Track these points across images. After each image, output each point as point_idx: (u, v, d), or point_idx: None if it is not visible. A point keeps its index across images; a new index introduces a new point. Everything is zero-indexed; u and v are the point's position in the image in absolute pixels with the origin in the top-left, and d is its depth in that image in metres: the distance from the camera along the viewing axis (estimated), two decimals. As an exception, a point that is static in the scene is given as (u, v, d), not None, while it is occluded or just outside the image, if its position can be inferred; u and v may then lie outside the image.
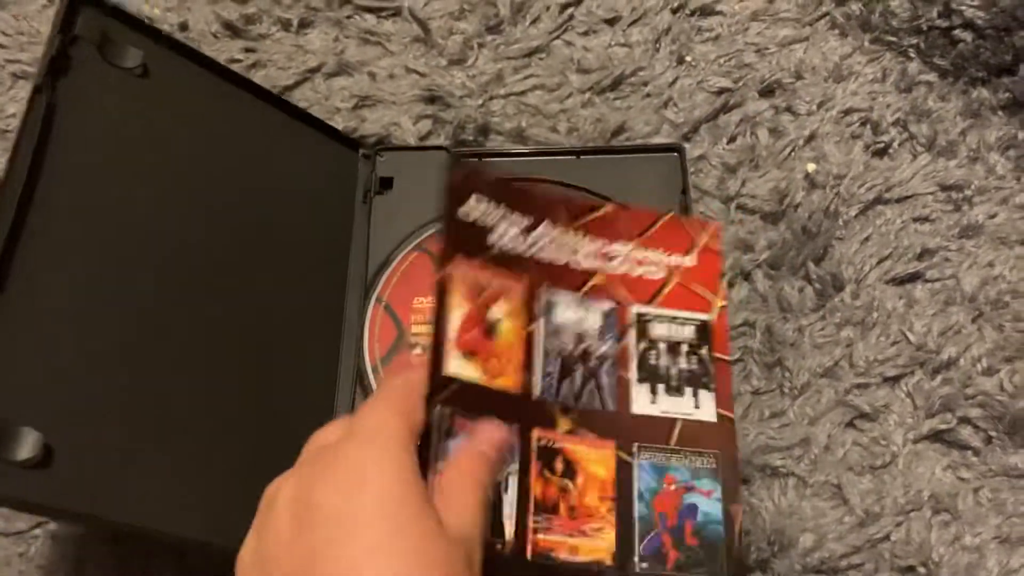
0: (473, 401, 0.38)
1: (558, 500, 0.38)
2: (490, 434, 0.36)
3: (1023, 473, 0.47)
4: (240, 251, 0.48)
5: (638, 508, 0.38)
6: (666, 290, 0.42)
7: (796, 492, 0.47)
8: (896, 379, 0.50)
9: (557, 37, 0.62)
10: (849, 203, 0.55)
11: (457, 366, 0.38)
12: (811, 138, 0.57)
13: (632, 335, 0.41)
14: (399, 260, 0.54)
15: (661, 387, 0.40)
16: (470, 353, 0.38)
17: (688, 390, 0.40)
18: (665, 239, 0.43)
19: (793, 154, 0.57)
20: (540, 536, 0.37)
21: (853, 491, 0.47)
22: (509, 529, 0.37)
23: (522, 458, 0.38)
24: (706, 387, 0.40)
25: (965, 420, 0.48)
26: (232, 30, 0.61)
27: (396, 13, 0.63)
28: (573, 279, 0.42)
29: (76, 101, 0.43)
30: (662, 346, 0.41)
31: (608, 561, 0.37)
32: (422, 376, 0.36)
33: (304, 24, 0.62)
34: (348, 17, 0.63)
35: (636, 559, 0.37)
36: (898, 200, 0.55)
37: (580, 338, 0.41)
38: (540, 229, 0.42)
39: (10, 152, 0.39)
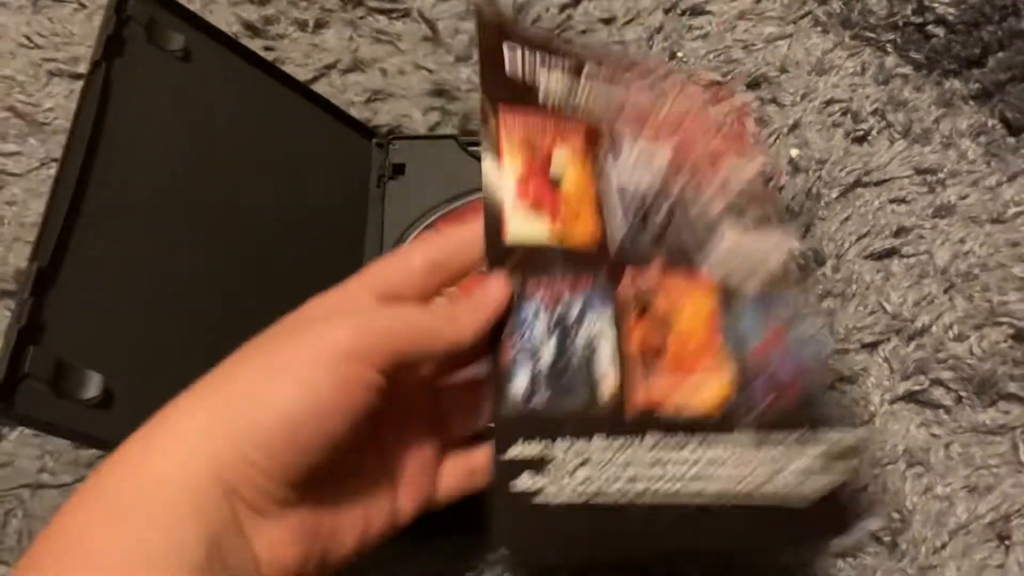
0: (545, 262, 0.34)
1: (660, 348, 0.35)
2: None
3: (990, 429, 0.51)
4: (267, 226, 0.52)
5: (746, 348, 0.35)
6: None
7: (781, 447, 0.50)
8: (874, 345, 0.53)
9: (557, 36, 0.66)
10: (831, 186, 0.59)
11: (521, 227, 0.35)
12: (795, 127, 0.61)
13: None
14: (411, 239, 0.57)
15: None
16: (535, 208, 0.35)
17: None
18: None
19: (778, 141, 0.61)
20: (642, 392, 0.34)
21: (833, 446, 0.50)
22: (605, 388, 0.34)
23: (614, 307, 0.35)
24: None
25: (937, 382, 0.52)
26: (252, 30, 0.66)
27: (406, 14, 0.67)
28: (634, 118, 0.38)
29: (127, 78, 0.47)
30: None
31: (719, 410, 0.34)
32: (462, 235, 0.35)
33: (320, 24, 0.66)
34: (361, 18, 0.67)
35: (748, 404, 0.35)
36: (876, 183, 0.59)
37: (656, 173, 0.37)
38: (586, 70, 0.38)
39: (72, 120, 0.43)
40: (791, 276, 0.38)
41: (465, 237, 0.36)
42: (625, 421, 0.34)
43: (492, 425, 0.34)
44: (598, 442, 0.34)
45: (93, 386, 0.40)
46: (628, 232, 0.36)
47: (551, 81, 0.37)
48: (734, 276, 0.36)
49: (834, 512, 0.36)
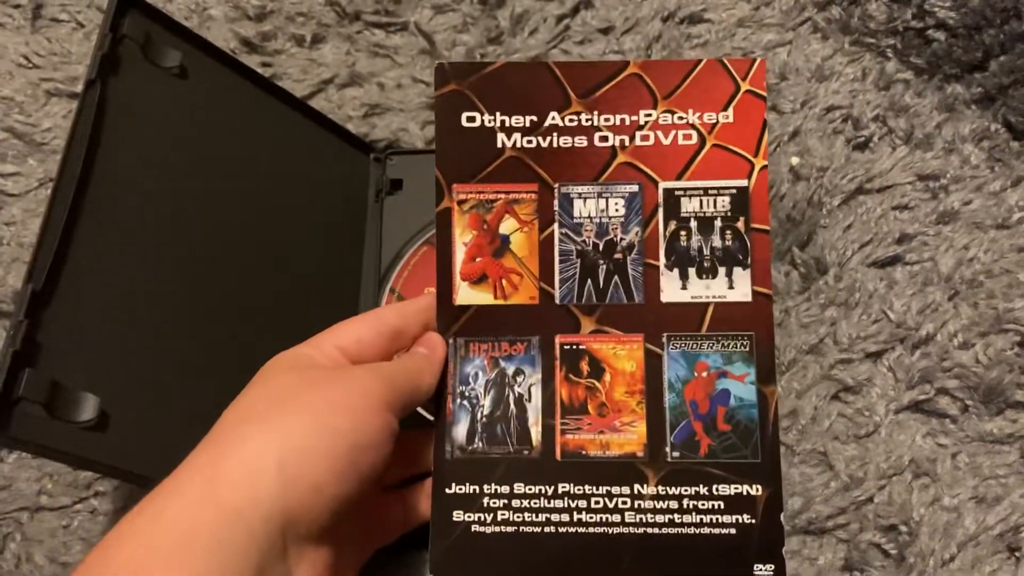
0: (488, 323, 0.39)
1: (586, 400, 0.39)
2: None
3: (997, 438, 0.50)
4: (265, 244, 0.52)
5: (668, 398, 0.38)
6: (699, 157, 0.40)
7: (785, 460, 0.50)
8: (878, 354, 0.53)
9: (554, 47, 0.66)
10: (832, 193, 0.58)
11: (467, 296, 0.40)
12: (795, 134, 0.61)
13: (660, 217, 0.39)
14: (410, 254, 0.57)
15: (692, 271, 0.39)
16: (478, 280, 0.40)
17: (722, 270, 0.39)
18: (699, 95, 0.40)
19: (778, 149, 0.60)
20: (569, 436, 0.38)
21: (838, 458, 0.50)
22: (536, 434, 0.39)
23: (545, 365, 0.39)
24: (741, 264, 0.39)
25: (943, 391, 0.51)
26: (249, 46, 0.66)
27: (403, 28, 0.67)
28: (591, 165, 0.40)
29: (123, 95, 0.46)
30: (693, 224, 0.39)
31: (639, 453, 0.38)
32: (418, 303, 0.40)
33: (317, 39, 0.66)
34: (358, 32, 0.67)
35: (668, 448, 0.38)
36: (878, 190, 0.59)
37: (602, 231, 0.40)
38: (547, 122, 0.40)
39: (67, 139, 0.43)
40: (727, 323, 0.39)
41: (422, 305, 0.41)
42: (553, 462, 0.38)
43: (433, 467, 0.40)
44: (529, 481, 0.39)
45: (89, 408, 0.40)
46: (566, 294, 0.40)
47: (511, 141, 0.40)
48: (666, 329, 0.39)
49: (734, 551, 0.38)
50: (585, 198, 0.40)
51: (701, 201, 0.39)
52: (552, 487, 0.39)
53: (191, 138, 0.50)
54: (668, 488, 0.38)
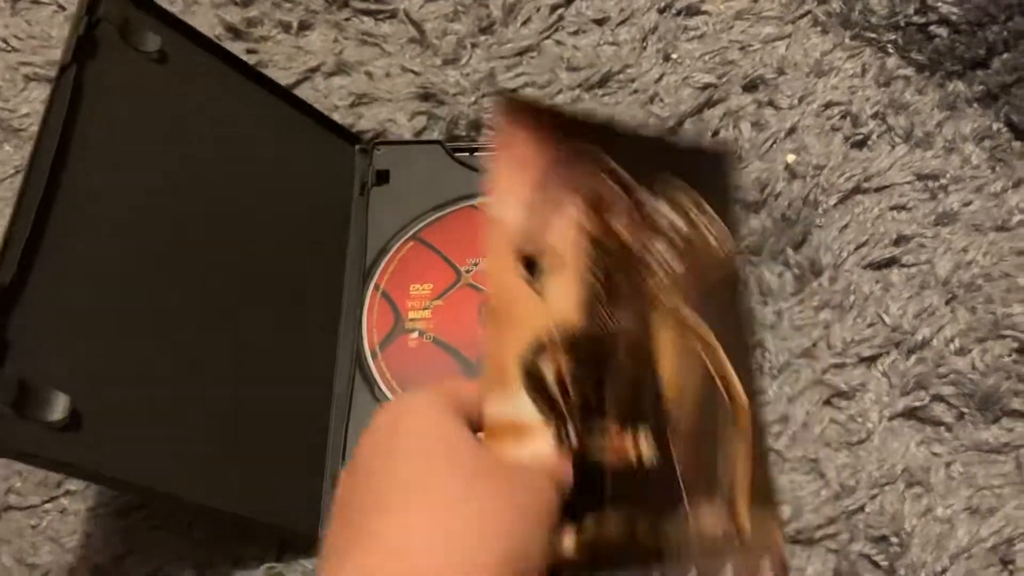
0: None
1: None
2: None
3: (993, 448, 0.49)
4: (246, 236, 0.51)
5: None
6: None
7: (775, 467, 0.48)
8: (872, 359, 0.51)
9: (548, 37, 0.65)
10: (829, 192, 0.57)
11: None
12: (792, 130, 0.59)
13: None
14: (395, 249, 0.56)
15: None
16: None
17: None
18: None
19: (775, 146, 0.59)
20: None
21: (830, 466, 0.48)
22: None
23: None
24: None
25: (938, 398, 0.50)
26: (235, 32, 0.64)
27: (392, 15, 0.65)
28: None
29: (100, 80, 0.45)
30: None
31: None
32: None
33: (304, 26, 0.65)
34: (347, 19, 0.65)
35: None
36: (876, 189, 0.57)
37: None
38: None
39: (39, 126, 0.42)
40: None
41: None
42: None
43: None
44: None
45: (59, 408, 0.39)
46: None
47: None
48: None
49: None
50: None
51: None
52: None
53: (170, 126, 0.49)
54: None
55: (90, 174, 0.44)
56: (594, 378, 0.41)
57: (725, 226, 0.46)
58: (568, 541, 0.37)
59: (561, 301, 0.41)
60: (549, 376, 0.39)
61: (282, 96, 0.56)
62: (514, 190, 0.40)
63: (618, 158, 0.43)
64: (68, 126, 0.43)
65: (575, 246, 0.42)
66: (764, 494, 0.43)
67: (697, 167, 0.47)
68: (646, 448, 0.41)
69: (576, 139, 0.42)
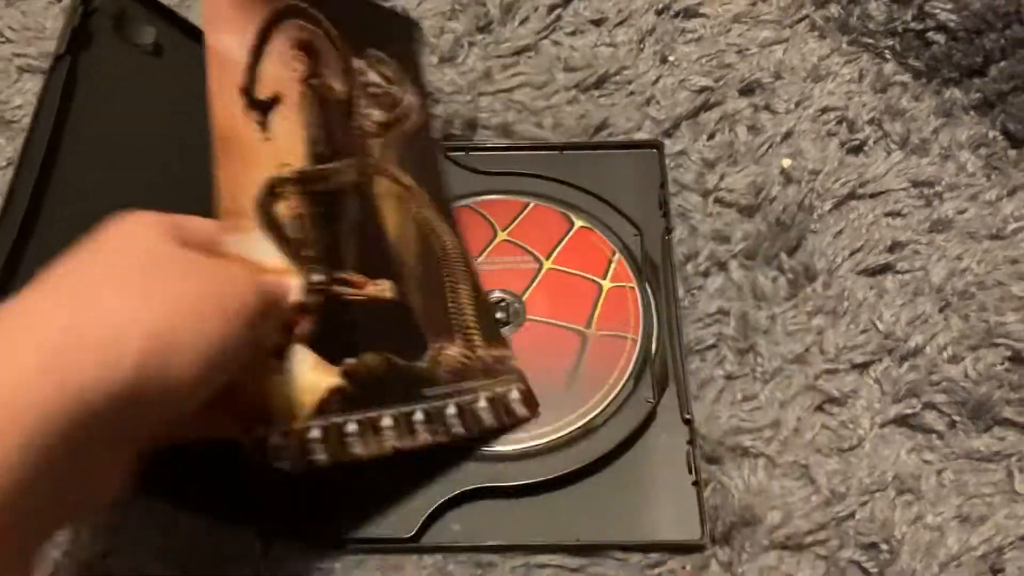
0: None
1: None
2: None
3: (984, 456, 0.49)
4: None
5: None
6: None
7: (765, 472, 0.48)
8: (865, 366, 0.51)
9: (545, 37, 0.64)
10: (824, 198, 0.57)
11: None
12: (788, 135, 0.59)
13: None
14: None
15: None
16: None
17: None
18: None
19: (771, 150, 0.59)
20: None
21: (820, 472, 0.48)
22: None
23: None
24: None
25: (930, 405, 0.50)
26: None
27: (390, 13, 0.65)
28: None
29: (93, 72, 0.45)
30: None
31: None
32: None
33: (300, 22, 0.64)
34: (343, 16, 0.65)
35: None
36: (871, 195, 0.57)
37: None
38: None
39: (31, 118, 0.42)
40: None
41: None
42: None
43: None
44: None
45: None
46: None
47: None
48: None
49: None
50: None
51: None
52: None
53: (165, 120, 0.49)
54: None
55: (82, 168, 0.44)
56: (328, 225, 0.45)
57: (414, 87, 0.52)
58: (332, 379, 0.42)
59: (287, 140, 0.44)
60: (286, 218, 0.42)
61: None
62: (234, 26, 0.44)
63: (329, 15, 0.48)
64: (60, 118, 0.43)
65: (291, 87, 0.45)
66: (493, 331, 0.50)
67: (390, 34, 0.53)
68: (388, 293, 0.46)
69: None
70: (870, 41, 0.63)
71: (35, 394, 0.27)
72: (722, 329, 0.52)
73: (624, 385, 0.50)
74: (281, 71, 0.45)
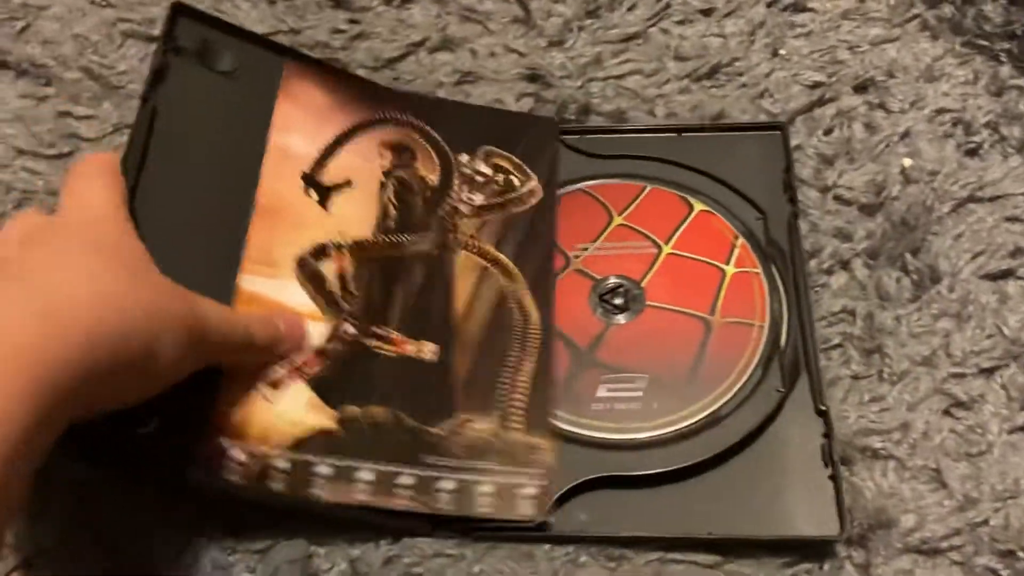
0: None
1: None
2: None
3: (1116, 466, 0.48)
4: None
5: None
6: None
7: (896, 474, 0.48)
8: (991, 371, 0.51)
9: (653, 25, 0.63)
10: (943, 200, 0.56)
11: None
12: (905, 135, 0.58)
13: None
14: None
15: None
16: None
17: None
18: None
19: (888, 149, 0.58)
20: None
21: (952, 476, 0.47)
22: None
23: None
24: None
25: (1058, 414, 0.49)
26: (335, 1, 0.62)
27: (497, -8, 0.64)
28: None
29: (175, 103, 0.46)
30: None
31: None
32: None
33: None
34: (449, -6, 0.64)
35: None
36: (990, 199, 0.56)
37: None
38: None
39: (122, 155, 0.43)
40: None
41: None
42: None
43: None
44: None
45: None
46: None
47: None
48: None
49: None
50: None
51: None
52: None
53: (246, 137, 0.49)
54: None
55: (167, 193, 0.45)
56: (382, 287, 0.49)
57: (536, 174, 0.55)
58: (324, 421, 0.44)
59: (351, 217, 0.50)
60: (330, 275, 0.47)
61: (464, 107, 0.58)
62: (304, 132, 0.50)
63: (436, 126, 0.54)
64: (144, 156, 0.44)
65: (370, 175, 0.51)
66: (542, 420, 0.48)
67: (516, 133, 0.56)
68: (427, 355, 0.48)
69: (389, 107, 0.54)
70: (985, 43, 0.62)
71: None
72: (847, 328, 0.52)
73: (752, 374, 0.49)
74: (359, 163, 0.51)
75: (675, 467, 0.47)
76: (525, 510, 0.45)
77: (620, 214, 0.55)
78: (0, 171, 0.55)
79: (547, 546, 0.45)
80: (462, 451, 0.46)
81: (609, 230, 0.54)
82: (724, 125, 0.58)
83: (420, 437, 0.45)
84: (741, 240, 0.53)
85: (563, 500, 0.46)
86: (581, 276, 0.53)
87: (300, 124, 0.50)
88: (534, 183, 0.54)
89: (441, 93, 0.59)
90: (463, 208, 0.52)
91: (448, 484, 0.45)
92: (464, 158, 0.54)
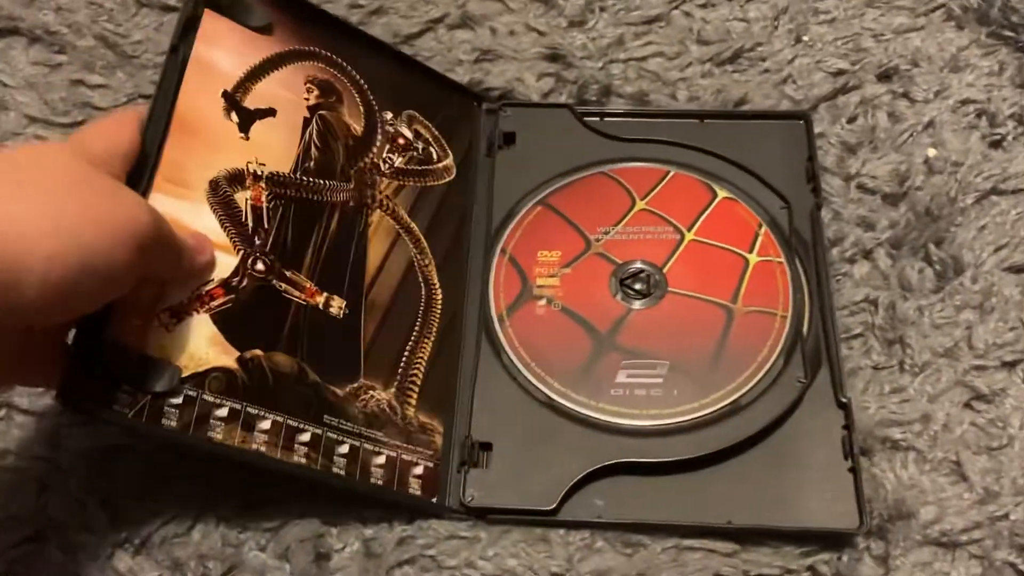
0: None
1: None
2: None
3: None
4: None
5: None
6: None
7: (916, 466, 0.47)
8: (1013, 364, 0.50)
9: (676, 7, 0.63)
10: (966, 191, 0.55)
11: None
12: (929, 125, 0.58)
13: None
14: (523, 214, 0.54)
15: None
16: None
17: None
18: None
19: (912, 139, 0.57)
20: None
21: (972, 469, 0.47)
22: None
23: None
24: None
25: (1081, 409, 0.49)
26: (355, -25, 0.61)
27: (517, -30, 0.63)
28: None
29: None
30: None
31: None
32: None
33: (426, -25, 0.62)
34: (469, -29, 0.63)
35: None
36: (1013, 192, 0.56)
37: None
38: None
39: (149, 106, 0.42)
40: None
41: None
42: None
43: None
44: None
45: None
46: None
47: None
48: None
49: None
50: None
51: None
52: None
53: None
54: None
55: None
56: (297, 229, 0.46)
57: (452, 152, 0.54)
58: (224, 359, 0.41)
59: (271, 148, 0.47)
60: (244, 206, 0.44)
61: (397, 59, 0.55)
62: (227, 44, 0.46)
63: (362, 72, 0.52)
64: (174, 104, 0.43)
65: (294, 109, 0.48)
66: (435, 399, 0.48)
67: (443, 103, 0.56)
68: (336, 310, 0.46)
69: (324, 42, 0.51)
70: (1011, 35, 0.61)
71: None
72: (869, 318, 0.51)
73: (773, 364, 0.48)
74: (283, 93, 0.48)
75: (694, 455, 0.46)
76: (414, 489, 0.45)
77: (643, 199, 0.54)
78: (12, 138, 0.54)
79: (562, 531, 0.45)
80: (362, 418, 0.45)
81: (632, 214, 0.53)
82: (747, 112, 0.57)
83: (322, 395, 0.44)
84: (764, 228, 0.52)
85: (579, 485, 0.45)
86: (602, 259, 0.52)
87: (226, 39, 0.46)
88: (449, 161, 0.54)
89: (460, 71, 0.58)
90: (383, 167, 0.51)
91: (343, 448, 0.43)
92: (388, 115, 0.52)
